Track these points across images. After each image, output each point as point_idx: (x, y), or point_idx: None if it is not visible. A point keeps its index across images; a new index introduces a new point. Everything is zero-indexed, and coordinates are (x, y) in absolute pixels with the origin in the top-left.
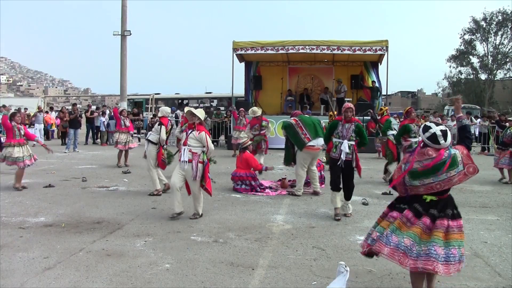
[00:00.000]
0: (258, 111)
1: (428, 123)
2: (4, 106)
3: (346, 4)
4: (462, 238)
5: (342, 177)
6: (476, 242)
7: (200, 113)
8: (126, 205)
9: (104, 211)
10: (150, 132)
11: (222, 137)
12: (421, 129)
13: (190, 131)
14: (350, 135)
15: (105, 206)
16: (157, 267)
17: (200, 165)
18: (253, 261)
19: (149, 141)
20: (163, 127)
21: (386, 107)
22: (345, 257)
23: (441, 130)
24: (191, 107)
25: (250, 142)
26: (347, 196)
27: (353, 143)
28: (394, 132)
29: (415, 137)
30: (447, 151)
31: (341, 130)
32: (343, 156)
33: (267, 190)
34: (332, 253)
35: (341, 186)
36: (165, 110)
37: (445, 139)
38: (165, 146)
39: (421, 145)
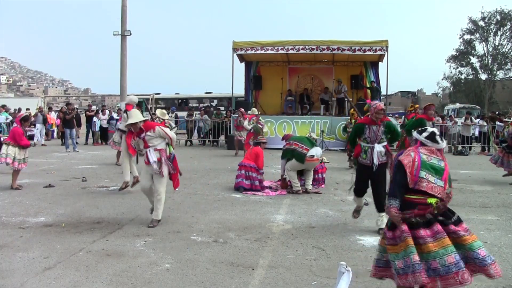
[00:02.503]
0: (256, 110)
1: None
2: (3, 106)
3: (346, 4)
4: (476, 239)
5: (372, 183)
6: None
7: (136, 117)
8: (126, 205)
9: (104, 211)
10: (120, 122)
11: (222, 137)
12: (415, 132)
13: (143, 135)
14: (380, 138)
15: (105, 206)
16: (157, 267)
17: (168, 159)
18: (253, 261)
19: (120, 130)
20: (128, 112)
21: (417, 105)
22: (345, 257)
23: (438, 130)
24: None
25: (266, 141)
26: (380, 207)
27: (384, 144)
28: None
29: None
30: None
31: (368, 135)
32: (375, 161)
33: (267, 190)
34: (332, 253)
35: (366, 190)
36: (130, 98)
37: (442, 140)
38: None
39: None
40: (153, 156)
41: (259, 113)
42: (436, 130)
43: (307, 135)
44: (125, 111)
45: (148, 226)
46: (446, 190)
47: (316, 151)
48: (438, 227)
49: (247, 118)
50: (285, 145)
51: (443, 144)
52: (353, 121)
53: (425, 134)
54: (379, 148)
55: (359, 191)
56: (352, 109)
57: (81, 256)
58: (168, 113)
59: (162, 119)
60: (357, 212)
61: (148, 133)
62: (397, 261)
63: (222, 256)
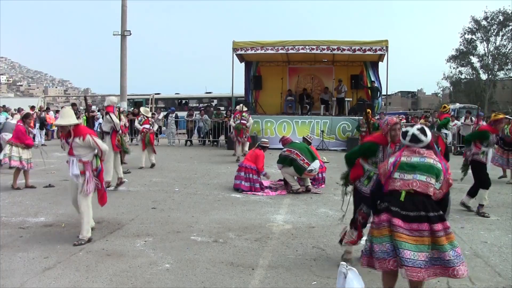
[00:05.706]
0: (242, 106)
1: (403, 129)
2: (3, 106)
3: (346, 4)
4: (452, 239)
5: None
6: (476, 242)
7: (67, 119)
8: (126, 205)
9: (104, 211)
10: (101, 123)
11: (222, 137)
12: (401, 137)
13: (70, 139)
14: None
15: (105, 206)
16: (157, 267)
17: (94, 173)
18: (253, 261)
19: (104, 132)
20: (111, 114)
21: (449, 106)
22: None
23: (418, 129)
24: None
25: (268, 143)
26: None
27: None
28: (447, 132)
29: (487, 146)
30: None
31: (381, 159)
32: None
33: (267, 190)
34: (332, 253)
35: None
36: (110, 99)
37: (425, 135)
38: (120, 131)
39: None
40: (75, 169)
41: (244, 108)
42: (415, 131)
43: (305, 136)
44: (107, 113)
45: (74, 244)
46: (437, 180)
47: (315, 165)
48: (421, 226)
49: (232, 116)
50: (285, 150)
51: (427, 139)
52: (370, 122)
53: (407, 138)
54: None
55: (357, 224)
56: (369, 110)
57: (81, 256)
58: (168, 114)
59: (146, 117)
60: (349, 254)
61: (76, 139)
62: (376, 244)
63: (222, 256)
